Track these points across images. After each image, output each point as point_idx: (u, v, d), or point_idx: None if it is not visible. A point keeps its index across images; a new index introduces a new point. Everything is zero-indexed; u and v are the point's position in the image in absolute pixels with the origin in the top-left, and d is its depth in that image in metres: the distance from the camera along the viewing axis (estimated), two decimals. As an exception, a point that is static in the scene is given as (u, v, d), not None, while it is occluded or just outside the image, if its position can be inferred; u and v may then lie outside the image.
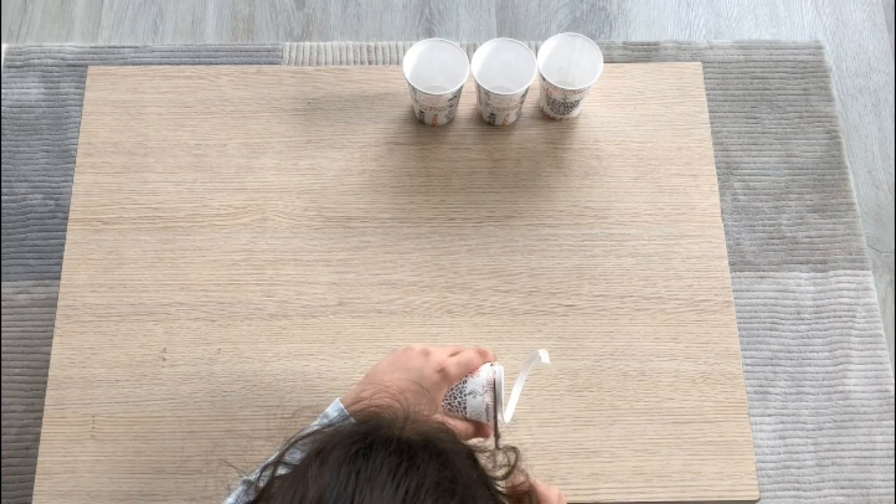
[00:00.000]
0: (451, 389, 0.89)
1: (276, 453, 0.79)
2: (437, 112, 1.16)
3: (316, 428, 0.84)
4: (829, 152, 1.68)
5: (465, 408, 0.89)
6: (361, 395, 0.86)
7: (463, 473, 0.68)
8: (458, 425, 0.88)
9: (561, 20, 1.84)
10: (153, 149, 1.17)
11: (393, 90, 1.21)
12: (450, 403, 0.89)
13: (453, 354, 0.91)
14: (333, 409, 0.87)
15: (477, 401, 0.88)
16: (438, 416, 0.87)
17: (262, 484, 0.77)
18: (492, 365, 0.90)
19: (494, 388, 0.88)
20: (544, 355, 0.89)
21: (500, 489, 0.75)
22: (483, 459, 0.75)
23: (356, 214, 1.14)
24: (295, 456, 0.77)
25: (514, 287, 1.11)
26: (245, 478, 0.86)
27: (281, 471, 0.76)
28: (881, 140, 1.75)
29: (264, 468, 0.79)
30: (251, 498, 0.79)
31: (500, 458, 0.78)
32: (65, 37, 1.80)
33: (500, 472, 0.77)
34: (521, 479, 0.79)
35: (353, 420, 0.83)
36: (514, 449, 0.80)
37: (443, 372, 0.88)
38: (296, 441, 0.78)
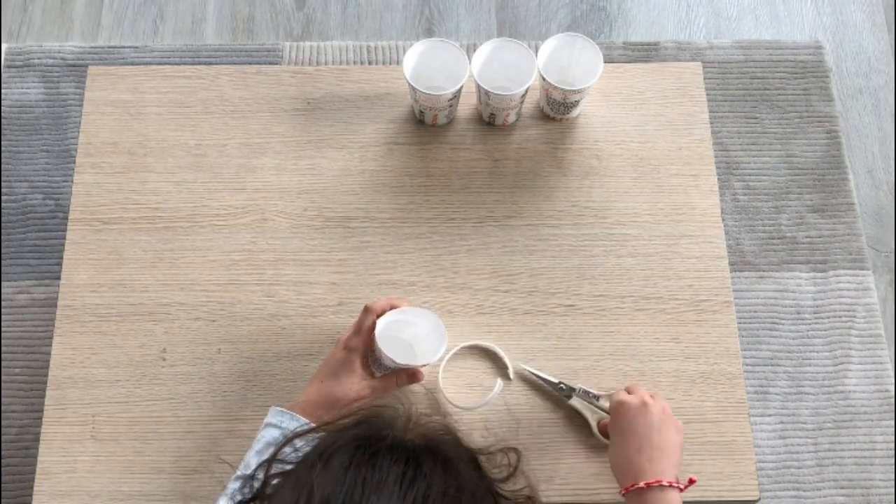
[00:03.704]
0: (373, 361, 0.98)
1: (271, 451, 0.79)
2: (437, 112, 1.16)
3: (270, 440, 0.86)
4: (829, 152, 1.68)
5: (388, 368, 0.98)
6: (305, 400, 0.94)
7: (468, 481, 0.68)
8: (387, 382, 0.97)
9: (561, 20, 1.83)
10: (153, 149, 1.17)
11: (393, 90, 1.21)
12: (387, 367, 0.98)
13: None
14: (287, 420, 0.91)
15: (387, 359, 0.95)
16: (373, 382, 0.94)
17: (256, 484, 0.77)
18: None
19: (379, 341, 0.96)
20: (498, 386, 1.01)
21: (503, 493, 0.75)
22: (483, 461, 0.74)
23: (356, 214, 1.14)
24: (288, 455, 0.76)
25: (514, 287, 1.11)
26: (238, 473, 0.86)
27: (274, 469, 0.76)
28: (881, 140, 1.74)
29: (258, 466, 0.79)
30: (247, 497, 0.78)
31: (501, 458, 0.78)
32: (65, 37, 1.80)
33: (501, 474, 0.77)
34: (522, 482, 0.79)
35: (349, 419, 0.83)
36: (514, 450, 0.79)
37: (347, 348, 0.96)
38: (292, 439, 0.78)
